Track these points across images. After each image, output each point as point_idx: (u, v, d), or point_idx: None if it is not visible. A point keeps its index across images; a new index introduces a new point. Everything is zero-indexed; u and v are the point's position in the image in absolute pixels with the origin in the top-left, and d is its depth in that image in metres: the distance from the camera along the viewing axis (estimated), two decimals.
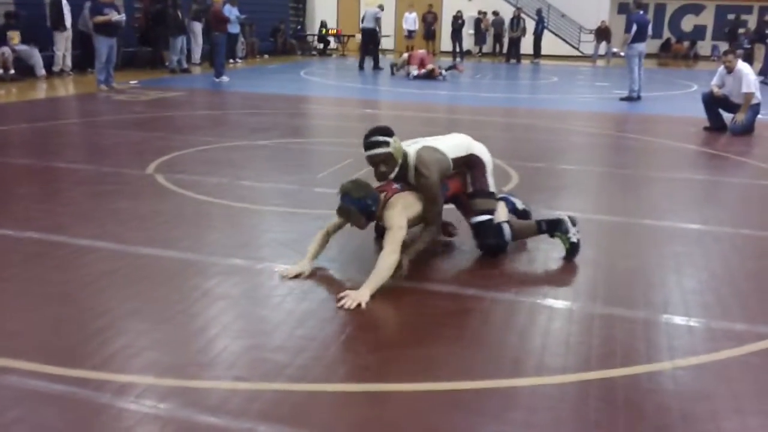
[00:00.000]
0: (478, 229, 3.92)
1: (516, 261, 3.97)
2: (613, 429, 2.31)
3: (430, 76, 15.24)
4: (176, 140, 7.27)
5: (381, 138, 3.68)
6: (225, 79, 13.70)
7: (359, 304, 3.23)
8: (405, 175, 3.81)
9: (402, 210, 3.61)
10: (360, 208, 3.57)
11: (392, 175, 3.78)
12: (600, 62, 22.74)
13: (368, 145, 3.70)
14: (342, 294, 3.30)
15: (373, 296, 3.29)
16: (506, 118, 10.00)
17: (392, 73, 16.12)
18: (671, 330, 3.09)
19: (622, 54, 12.42)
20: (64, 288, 3.36)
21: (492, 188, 3.99)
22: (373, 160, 3.71)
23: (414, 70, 15.46)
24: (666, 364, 2.77)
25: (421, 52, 16.24)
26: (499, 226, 3.91)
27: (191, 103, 10.79)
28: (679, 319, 3.20)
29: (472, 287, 3.53)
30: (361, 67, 17.55)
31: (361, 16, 18.09)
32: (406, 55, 16.36)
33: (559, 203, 5.08)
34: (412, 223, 3.70)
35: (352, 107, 11.18)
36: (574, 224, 3.95)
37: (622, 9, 25.12)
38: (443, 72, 15.41)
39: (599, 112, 10.98)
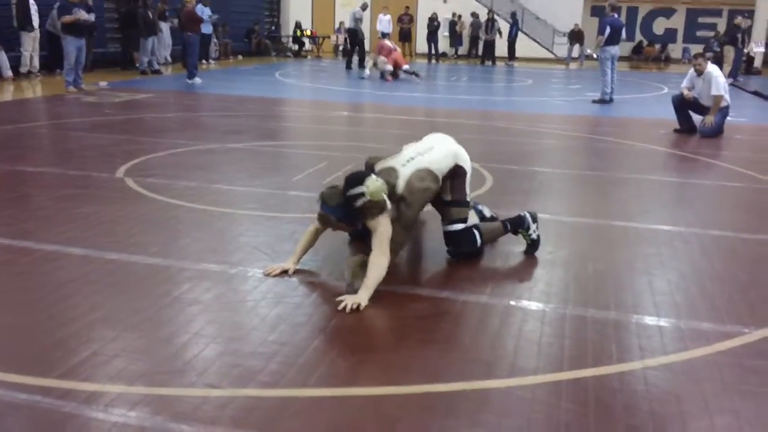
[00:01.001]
0: (452, 237, 3.94)
1: (490, 263, 3.99)
2: (584, 430, 2.33)
3: (396, 73, 15.25)
4: (147, 143, 7.19)
5: (354, 192, 3.46)
6: (198, 80, 13.59)
7: (358, 306, 3.26)
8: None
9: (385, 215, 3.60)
10: (337, 216, 3.56)
11: (390, 207, 3.58)
12: (573, 65, 22.96)
13: (349, 198, 3.48)
14: (340, 298, 3.31)
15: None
16: (481, 121, 10.05)
17: (362, 78, 16.16)
18: (641, 330, 3.12)
19: (595, 56, 12.55)
20: (29, 295, 3.29)
21: (468, 197, 4.02)
22: (359, 212, 3.48)
23: (387, 66, 15.24)
24: (636, 364, 2.80)
25: (388, 43, 15.87)
26: (471, 232, 3.94)
27: (162, 105, 10.68)
28: (649, 320, 3.24)
29: (446, 290, 3.54)
30: (348, 67, 18.07)
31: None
32: (375, 54, 16.17)
33: (532, 205, 5.10)
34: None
35: (327, 110, 11.16)
36: (534, 220, 4.09)
37: (595, 12, 25.43)
38: (405, 72, 15.33)
39: (572, 114, 11.08)
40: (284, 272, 3.65)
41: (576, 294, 3.56)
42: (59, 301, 3.23)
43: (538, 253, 4.09)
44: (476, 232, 3.95)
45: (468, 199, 4.01)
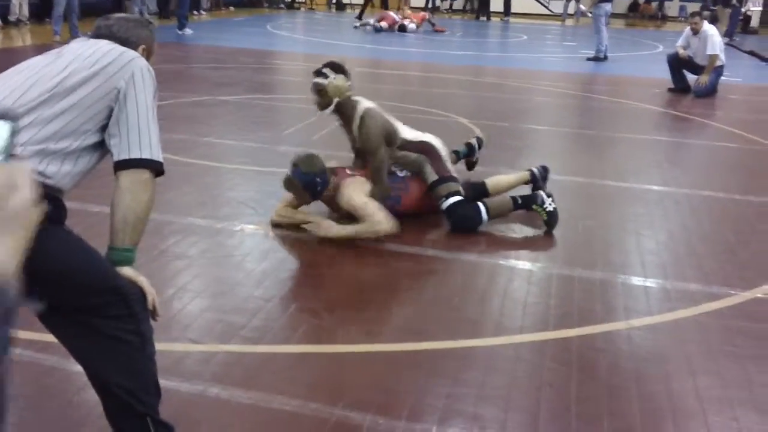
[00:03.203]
0: (453, 211, 3.80)
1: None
2: (566, 389, 2.33)
3: (393, 28, 15.31)
4: None
5: (325, 70, 3.80)
6: (188, 31, 13.30)
7: (324, 235, 3.38)
8: (350, 123, 3.80)
9: (357, 189, 3.57)
10: (305, 183, 3.49)
11: (327, 111, 3.79)
12: (569, 21, 22.64)
13: (314, 73, 3.83)
14: (313, 220, 3.36)
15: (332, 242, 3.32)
16: (473, 77, 9.92)
17: (355, 27, 16.01)
18: (628, 290, 3.13)
19: (589, 13, 12.36)
20: None
21: (453, 173, 3.91)
22: (313, 88, 3.81)
23: (380, 24, 15.36)
24: (621, 324, 2.81)
25: (392, 14, 16.14)
26: (476, 206, 3.81)
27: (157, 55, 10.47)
28: (636, 280, 3.24)
29: (434, 248, 3.52)
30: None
31: None
32: (378, 16, 16.23)
33: (521, 162, 5.06)
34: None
35: (319, 63, 10.97)
36: (550, 195, 3.88)
37: None
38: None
39: (566, 72, 10.95)
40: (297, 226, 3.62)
41: (564, 253, 3.56)
42: None
43: (526, 213, 3.98)
44: (482, 207, 3.81)
45: (453, 174, 3.90)
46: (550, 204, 3.85)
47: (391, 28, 15.50)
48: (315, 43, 13.78)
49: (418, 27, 15.88)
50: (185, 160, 4.77)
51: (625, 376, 2.43)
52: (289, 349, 2.51)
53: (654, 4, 26.98)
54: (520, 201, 3.91)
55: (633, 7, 27.29)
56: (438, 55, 12.67)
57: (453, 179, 3.88)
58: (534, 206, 3.88)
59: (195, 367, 2.33)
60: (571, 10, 23.06)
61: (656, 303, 3.03)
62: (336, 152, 4.93)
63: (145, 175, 1.67)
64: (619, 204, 4.40)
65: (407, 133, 3.90)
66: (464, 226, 3.79)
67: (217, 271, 3.14)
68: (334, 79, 3.74)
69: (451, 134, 5.18)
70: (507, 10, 21.98)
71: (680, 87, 8.82)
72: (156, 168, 1.70)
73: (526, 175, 4.24)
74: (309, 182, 3.48)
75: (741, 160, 5.75)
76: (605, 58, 11.85)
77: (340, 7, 23.44)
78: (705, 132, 6.93)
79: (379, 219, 3.44)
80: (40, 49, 10.75)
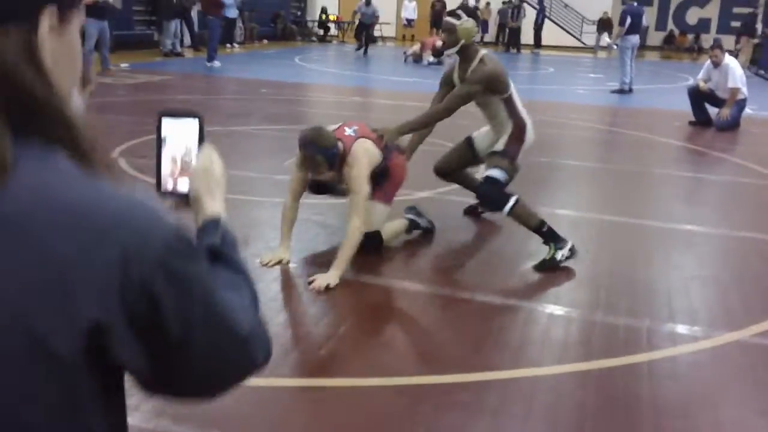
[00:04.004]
0: (490, 182, 3.79)
1: (515, 264, 3.85)
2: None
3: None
4: (149, 125, 7.13)
5: (458, 12, 3.86)
6: (216, 63, 13.61)
7: (328, 286, 3.27)
8: (467, 66, 3.83)
9: (367, 166, 3.53)
10: (327, 156, 3.45)
11: (452, 51, 3.84)
12: (601, 54, 22.53)
13: (447, 13, 3.91)
14: (312, 278, 3.32)
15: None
16: None
17: (405, 61, 16.41)
18: (651, 335, 3.02)
19: (615, 46, 12.28)
20: None
21: (517, 160, 3.88)
22: (443, 26, 3.89)
23: (429, 57, 15.62)
24: (643, 364, 2.72)
25: (433, 38, 16.30)
26: (508, 195, 3.75)
27: (176, 87, 10.72)
28: (660, 323, 3.12)
29: (449, 286, 3.48)
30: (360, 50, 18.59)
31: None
32: (418, 45, 16.61)
33: (542, 198, 4.99)
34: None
35: (338, 94, 11.10)
36: (571, 252, 3.75)
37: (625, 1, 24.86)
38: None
39: (589, 104, 10.86)
40: (279, 262, 3.59)
41: (587, 295, 3.46)
42: None
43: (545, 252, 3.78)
44: (513, 202, 3.73)
45: (517, 161, 3.86)
46: (562, 258, 3.71)
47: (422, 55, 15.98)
48: (338, 75, 13.95)
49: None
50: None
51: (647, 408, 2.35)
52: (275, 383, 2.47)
53: (689, 37, 26.70)
54: (546, 229, 3.76)
55: (668, 40, 27.04)
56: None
57: (513, 161, 3.84)
58: (551, 243, 3.73)
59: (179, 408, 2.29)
60: (603, 42, 22.96)
61: (683, 347, 2.93)
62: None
63: None
64: (639, 242, 4.29)
65: (518, 101, 3.91)
66: (486, 201, 3.99)
67: None
68: (466, 21, 3.78)
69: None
70: (537, 43, 22.00)
71: (702, 120, 8.66)
72: None
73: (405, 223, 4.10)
74: (330, 155, 3.45)
75: (763, 198, 5.60)
76: (630, 90, 11.73)
77: (371, 39, 23.76)
78: (725, 167, 6.78)
79: (359, 212, 3.39)
80: None
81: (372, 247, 3.67)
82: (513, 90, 3.88)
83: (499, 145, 3.88)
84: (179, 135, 1.01)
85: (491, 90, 3.77)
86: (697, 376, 2.72)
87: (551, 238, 3.74)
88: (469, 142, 4.25)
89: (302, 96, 11.17)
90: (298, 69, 14.68)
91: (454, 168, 4.31)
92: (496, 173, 3.78)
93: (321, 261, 3.64)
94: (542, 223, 3.77)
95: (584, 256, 3.86)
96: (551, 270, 3.67)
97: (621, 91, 11.72)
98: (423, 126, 3.95)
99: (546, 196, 5.10)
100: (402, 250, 4.01)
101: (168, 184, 1.01)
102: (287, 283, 3.52)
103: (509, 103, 3.86)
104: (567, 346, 2.87)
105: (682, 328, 3.07)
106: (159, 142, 1.01)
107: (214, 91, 10.60)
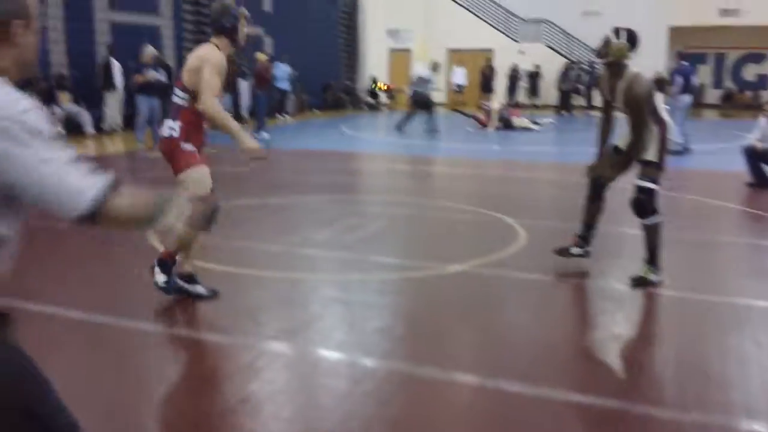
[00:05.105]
0: (643, 193, 4.32)
1: (567, 350, 3.56)
2: None
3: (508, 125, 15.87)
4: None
5: (620, 32, 4.31)
6: (265, 135, 13.81)
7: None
8: (616, 81, 4.36)
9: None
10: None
11: (599, 63, 4.86)
12: None
13: (613, 28, 4.39)
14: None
15: None
16: (526, 173, 9.63)
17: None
18: None
19: (668, 106, 11.94)
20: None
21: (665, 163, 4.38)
22: (603, 37, 4.42)
23: (496, 124, 15.86)
24: None
25: (516, 111, 16.92)
26: (658, 210, 4.34)
27: (221, 160, 10.77)
28: (737, 422, 2.77)
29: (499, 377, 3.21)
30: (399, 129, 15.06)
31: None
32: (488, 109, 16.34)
33: (594, 270, 4.72)
34: None
35: (380, 163, 11.04)
36: (656, 280, 4.31)
37: (682, 59, 24.44)
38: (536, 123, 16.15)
39: None
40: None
41: (648, 385, 3.13)
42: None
43: (596, 331, 3.60)
44: (659, 218, 4.34)
45: (665, 165, 4.36)
46: (654, 279, 4.29)
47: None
48: (382, 143, 13.95)
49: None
50: (205, 266, 4.71)
51: None
52: None
53: (749, 94, 26.02)
54: (656, 248, 4.34)
55: (727, 98, 26.42)
56: (504, 152, 12.47)
57: (663, 169, 4.35)
58: (649, 265, 4.32)
59: None
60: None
61: None
62: (367, 256, 4.80)
63: None
64: (710, 321, 3.90)
65: (659, 106, 4.36)
66: (639, 209, 4.37)
67: (205, 394, 2.96)
68: (620, 42, 4.29)
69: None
70: (589, 104, 21.74)
71: (759, 181, 8.19)
72: None
73: None
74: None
75: None
76: (684, 151, 11.31)
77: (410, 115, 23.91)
78: None
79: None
80: (121, 155, 11.36)
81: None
82: (657, 98, 4.38)
83: (651, 155, 4.30)
84: None
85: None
86: None
87: (654, 261, 4.32)
88: (616, 149, 4.60)
89: (342, 165, 11.14)
90: (344, 138, 14.76)
91: (611, 175, 4.63)
92: (651, 184, 4.30)
93: (339, 341, 3.42)
94: (660, 247, 4.35)
95: (646, 339, 3.53)
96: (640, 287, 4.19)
97: (674, 152, 11.30)
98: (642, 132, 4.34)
99: (598, 267, 4.78)
100: (436, 328, 3.75)
101: None
102: (297, 371, 3.30)
103: (654, 110, 4.31)
104: None
105: (761, 427, 2.68)
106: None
107: (258, 163, 10.67)
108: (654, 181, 4.29)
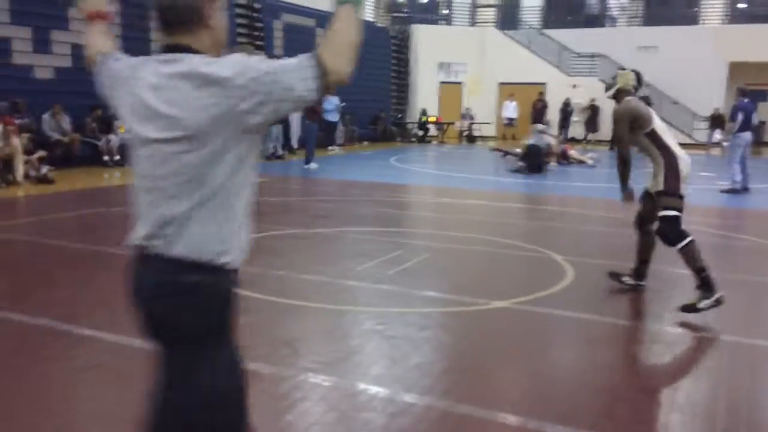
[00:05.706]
0: (666, 221, 4.41)
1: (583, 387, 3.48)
2: None
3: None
4: None
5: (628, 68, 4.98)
6: (314, 165, 13.96)
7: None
8: None
9: None
10: None
11: (608, 93, 4.80)
12: (714, 151, 21.51)
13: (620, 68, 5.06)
14: None
15: None
16: (579, 209, 9.43)
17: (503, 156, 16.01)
18: None
19: (725, 144, 11.64)
20: (42, 380, 3.24)
21: (682, 192, 4.48)
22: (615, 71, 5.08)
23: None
24: None
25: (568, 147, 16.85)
26: (684, 232, 4.37)
27: (270, 189, 10.95)
28: None
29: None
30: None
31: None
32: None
33: (649, 314, 4.60)
34: None
35: (427, 196, 10.99)
36: (716, 303, 4.24)
37: (741, 95, 23.83)
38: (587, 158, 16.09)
39: (698, 205, 10.14)
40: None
41: None
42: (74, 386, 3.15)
43: (642, 375, 3.47)
44: (687, 239, 4.34)
45: (682, 192, 4.47)
46: (705, 306, 4.22)
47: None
48: (432, 176, 13.91)
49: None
50: (245, 294, 4.71)
51: None
52: None
53: None
54: (704, 275, 4.26)
55: None
56: (557, 187, 12.30)
57: (679, 196, 4.44)
58: (700, 290, 4.25)
59: None
60: (715, 138, 21.98)
61: None
62: (409, 290, 4.76)
63: None
64: (764, 368, 3.72)
65: (665, 135, 4.56)
66: (665, 238, 4.46)
67: None
68: (626, 72, 4.78)
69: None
70: None
71: None
72: None
73: None
74: None
75: None
76: (744, 189, 10.94)
77: (471, 139, 23.87)
78: None
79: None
80: None
81: None
82: (657, 125, 4.52)
83: (660, 185, 4.47)
84: None
85: (633, 125, 4.51)
86: None
87: (705, 284, 4.23)
88: (647, 192, 4.78)
89: (390, 197, 11.12)
90: (393, 170, 14.78)
91: (651, 217, 4.72)
92: (668, 212, 4.40)
93: (378, 375, 3.35)
94: (704, 268, 4.27)
95: (696, 385, 3.35)
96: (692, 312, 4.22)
97: (732, 191, 10.94)
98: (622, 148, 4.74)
99: (650, 308, 4.61)
100: (477, 365, 3.64)
101: None
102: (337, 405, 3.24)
103: (654, 137, 4.50)
104: None
105: None
106: None
107: (305, 193, 10.77)
108: (670, 208, 4.41)
